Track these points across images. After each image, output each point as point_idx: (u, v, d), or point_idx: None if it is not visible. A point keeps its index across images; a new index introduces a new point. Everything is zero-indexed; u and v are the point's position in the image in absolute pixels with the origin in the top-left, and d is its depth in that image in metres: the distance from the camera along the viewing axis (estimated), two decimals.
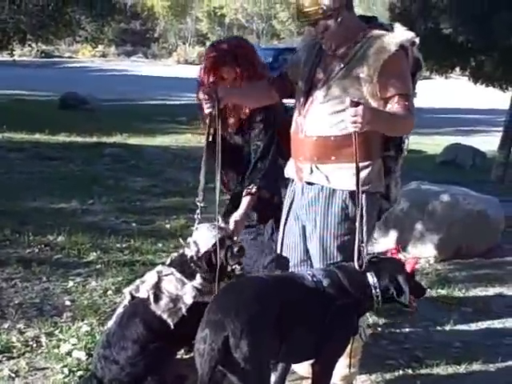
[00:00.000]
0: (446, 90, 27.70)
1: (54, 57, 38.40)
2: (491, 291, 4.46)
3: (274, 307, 2.36)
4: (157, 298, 2.83)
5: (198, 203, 2.97)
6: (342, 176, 2.68)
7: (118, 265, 4.45)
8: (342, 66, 2.68)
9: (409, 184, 5.64)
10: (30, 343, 3.34)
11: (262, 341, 2.28)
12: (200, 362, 2.24)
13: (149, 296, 2.83)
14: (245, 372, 2.23)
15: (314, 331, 2.49)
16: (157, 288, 2.85)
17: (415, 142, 12.61)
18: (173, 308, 2.81)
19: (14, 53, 16.42)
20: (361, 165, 2.60)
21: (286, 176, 3.00)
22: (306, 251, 2.87)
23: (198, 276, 2.87)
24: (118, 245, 4.90)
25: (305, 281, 2.53)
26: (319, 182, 2.75)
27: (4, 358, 3.18)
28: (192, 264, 2.89)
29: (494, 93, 9.99)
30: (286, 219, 2.97)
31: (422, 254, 5.09)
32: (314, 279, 2.53)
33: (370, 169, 2.71)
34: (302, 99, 2.82)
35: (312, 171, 2.76)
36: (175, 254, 3.08)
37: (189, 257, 2.91)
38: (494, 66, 8.63)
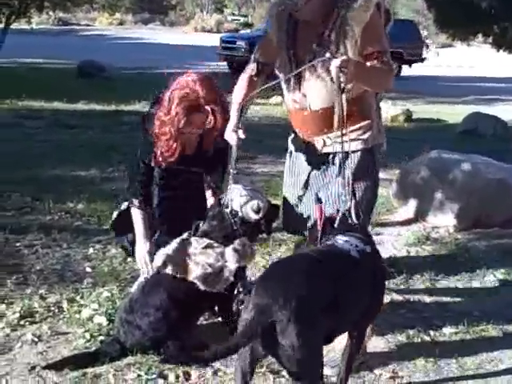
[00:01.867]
0: (467, 58, 27.28)
1: (72, 24, 38.29)
2: (511, 261, 4.43)
3: (327, 289, 2.22)
4: (189, 271, 2.86)
5: (232, 160, 2.99)
6: (355, 138, 2.86)
7: None
8: (326, 34, 2.72)
9: (429, 152, 5.59)
10: (52, 308, 3.39)
11: (313, 328, 2.12)
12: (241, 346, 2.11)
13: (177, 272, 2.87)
14: (296, 361, 2.10)
15: (364, 303, 2.45)
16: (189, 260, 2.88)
17: (435, 110, 12.52)
18: (217, 279, 2.85)
19: (31, 21, 16.41)
20: (364, 125, 2.88)
21: (292, 149, 3.12)
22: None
23: (237, 239, 2.90)
24: None
25: (350, 252, 2.42)
26: (335, 150, 2.88)
27: (27, 323, 3.23)
28: (230, 226, 2.92)
29: None
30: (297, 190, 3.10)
31: (442, 223, 5.06)
32: (357, 249, 2.45)
33: (371, 128, 2.91)
34: (292, 77, 2.84)
35: (325, 143, 2.92)
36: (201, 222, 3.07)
37: (227, 217, 2.93)
38: None
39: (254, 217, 2.95)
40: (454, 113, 12.00)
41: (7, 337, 3.10)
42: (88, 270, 3.90)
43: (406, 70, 20.26)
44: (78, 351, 2.99)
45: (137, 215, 3.26)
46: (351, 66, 2.47)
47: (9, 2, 14.42)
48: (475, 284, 4.01)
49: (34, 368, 2.85)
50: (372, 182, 3.01)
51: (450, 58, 27.79)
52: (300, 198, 3.09)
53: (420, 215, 5.22)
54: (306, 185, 3.05)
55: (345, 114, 2.66)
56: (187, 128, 3.07)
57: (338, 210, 2.74)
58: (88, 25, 39.81)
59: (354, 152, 2.88)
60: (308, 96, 2.86)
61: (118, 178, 5.94)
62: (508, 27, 8.54)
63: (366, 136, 2.90)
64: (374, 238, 4.64)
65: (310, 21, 2.77)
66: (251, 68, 3.05)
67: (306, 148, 3.02)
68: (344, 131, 2.72)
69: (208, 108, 3.01)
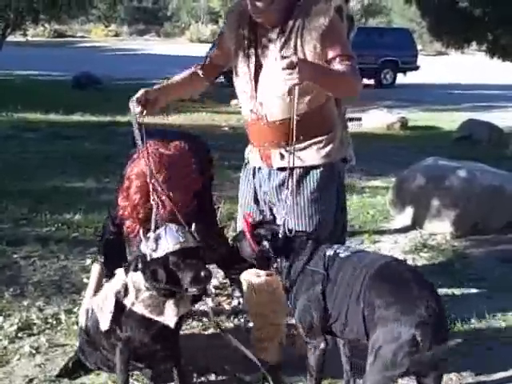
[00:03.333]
0: (461, 66, 27.40)
1: (67, 36, 38.34)
2: (508, 267, 4.43)
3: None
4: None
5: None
6: (314, 152, 2.70)
7: None
8: (284, 40, 2.60)
9: (425, 160, 5.61)
10: (50, 320, 3.39)
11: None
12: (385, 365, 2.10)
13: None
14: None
15: None
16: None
17: (431, 118, 12.56)
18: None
19: (27, 33, 16.45)
20: (325, 137, 2.69)
21: (249, 162, 2.94)
22: None
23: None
24: None
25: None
26: (292, 164, 2.61)
27: (25, 335, 3.23)
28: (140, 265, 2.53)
29: (511, 67, 9.84)
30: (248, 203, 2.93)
31: (439, 230, 5.07)
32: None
33: (334, 139, 2.74)
34: (249, 84, 2.72)
35: (283, 156, 2.71)
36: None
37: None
38: (511, 39, 8.51)
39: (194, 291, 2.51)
40: (449, 120, 12.04)
41: (5, 349, 3.09)
42: (85, 281, 3.88)
43: (401, 78, 20.34)
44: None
45: (95, 271, 3.16)
46: (304, 67, 2.29)
47: (4, 15, 14.45)
48: (472, 290, 4.01)
49: (31, 380, 2.85)
50: (332, 201, 2.80)
51: (444, 65, 27.91)
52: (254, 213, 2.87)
53: (417, 222, 5.22)
54: (257, 201, 2.89)
55: (294, 122, 2.46)
56: (148, 212, 2.85)
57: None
58: (83, 36, 39.87)
59: (314, 168, 2.72)
60: (265, 105, 2.68)
61: (115, 188, 5.93)
62: (501, 34, 8.58)
63: (327, 149, 2.71)
64: (372, 245, 4.75)
65: (266, 26, 2.65)
66: (200, 63, 2.93)
67: (262, 162, 2.82)
68: (303, 144, 2.64)
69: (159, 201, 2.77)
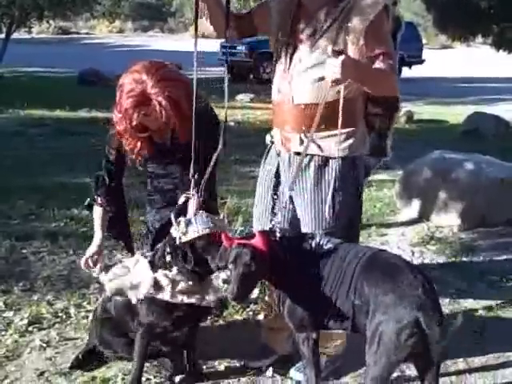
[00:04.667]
0: (467, 59, 27.30)
1: (72, 33, 38.38)
2: None
3: None
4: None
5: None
6: (334, 144, 2.62)
7: (142, 237, 4.48)
8: (326, 27, 2.56)
9: (432, 153, 5.61)
10: (60, 314, 3.42)
11: None
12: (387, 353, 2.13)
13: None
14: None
15: None
16: None
17: (437, 111, 12.53)
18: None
19: (31, 30, 16.48)
20: (347, 131, 2.61)
21: (269, 142, 2.88)
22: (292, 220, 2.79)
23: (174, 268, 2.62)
24: (142, 218, 4.93)
25: None
26: (311, 151, 2.64)
27: (35, 329, 3.26)
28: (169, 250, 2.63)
29: None
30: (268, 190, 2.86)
31: (446, 222, 5.07)
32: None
33: (355, 134, 2.67)
34: (283, 63, 2.67)
35: (302, 141, 2.65)
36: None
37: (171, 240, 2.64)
38: None
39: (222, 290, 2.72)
40: (455, 113, 12.01)
41: (16, 343, 3.12)
42: (94, 275, 3.90)
43: (407, 72, 20.29)
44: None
45: (96, 213, 3.16)
46: (350, 65, 2.30)
47: (9, 12, 14.49)
48: (480, 283, 4.02)
49: (42, 373, 2.87)
50: (354, 195, 2.73)
51: (450, 59, 27.81)
52: (273, 200, 2.85)
53: (424, 215, 5.23)
54: (277, 188, 2.83)
55: (319, 112, 2.46)
56: (144, 121, 2.87)
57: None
58: (88, 33, 39.90)
59: (332, 158, 2.65)
60: (293, 87, 2.63)
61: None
62: (507, 27, 8.55)
63: (347, 143, 2.65)
64: (379, 238, 4.76)
65: (313, 8, 2.61)
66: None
67: (281, 145, 2.77)
68: (324, 133, 2.59)
69: (155, 101, 2.76)
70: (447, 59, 27.43)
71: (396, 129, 2.96)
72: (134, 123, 2.81)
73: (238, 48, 17.62)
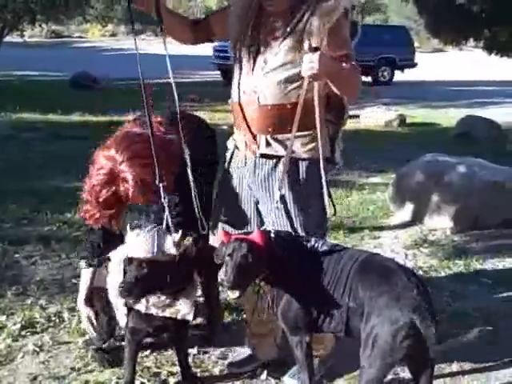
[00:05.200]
0: (459, 63, 27.42)
1: (64, 37, 38.33)
2: (508, 262, 4.45)
3: None
4: None
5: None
6: (300, 144, 2.61)
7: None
8: (290, 29, 2.55)
9: (424, 156, 5.63)
10: (53, 318, 3.41)
11: None
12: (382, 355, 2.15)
13: None
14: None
15: None
16: None
17: (429, 115, 12.58)
18: None
19: (24, 33, 16.44)
20: (310, 132, 2.60)
21: (232, 147, 2.82)
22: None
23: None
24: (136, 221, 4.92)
25: None
26: (277, 153, 2.61)
27: (28, 333, 3.24)
28: None
29: (508, 63, 9.85)
30: (231, 192, 2.81)
31: (439, 225, 5.09)
32: None
33: (320, 137, 2.64)
34: (246, 65, 2.64)
35: (268, 143, 2.62)
36: None
37: None
38: (509, 35, 8.53)
39: None
40: (447, 116, 12.06)
41: (9, 347, 3.11)
42: None
43: (399, 76, 20.36)
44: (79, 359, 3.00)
45: (86, 275, 2.97)
46: (326, 62, 2.33)
47: (1, 16, 14.45)
48: (472, 285, 4.03)
49: (36, 378, 2.86)
50: (319, 196, 2.66)
51: (442, 62, 27.94)
52: (240, 205, 2.79)
53: (417, 218, 5.25)
54: (246, 192, 2.77)
55: (299, 113, 2.46)
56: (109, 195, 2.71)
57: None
58: (81, 37, 39.85)
59: (300, 160, 2.63)
60: (259, 88, 2.59)
61: None
62: (499, 31, 8.60)
63: (313, 144, 2.62)
64: (372, 241, 4.77)
65: (275, 10, 2.58)
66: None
67: (246, 148, 2.71)
68: (290, 135, 2.55)
69: (121, 179, 2.65)
70: (439, 63, 27.56)
71: (388, 132, 2.97)
72: (101, 200, 2.69)
73: (230, 52, 17.60)
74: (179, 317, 2.59)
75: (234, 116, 2.76)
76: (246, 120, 2.67)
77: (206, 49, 12.98)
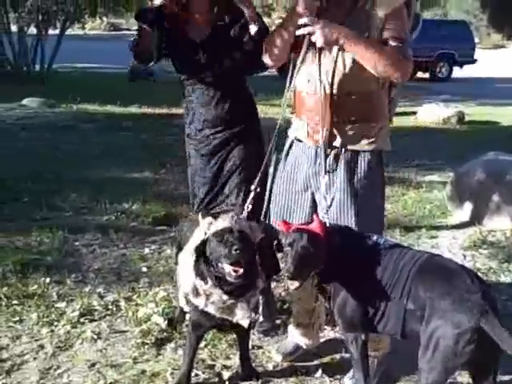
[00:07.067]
0: None
1: (123, 30, 38.94)
2: None
3: None
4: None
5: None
6: (364, 136, 2.59)
7: None
8: (354, 14, 2.52)
9: (485, 154, 5.49)
10: (110, 307, 3.47)
11: None
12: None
13: None
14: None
15: None
16: None
17: (488, 112, 12.25)
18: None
19: (85, 26, 16.78)
20: (375, 125, 2.61)
21: (293, 137, 2.79)
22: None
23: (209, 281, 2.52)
24: (191, 213, 4.97)
25: None
26: (339, 143, 2.59)
27: (86, 321, 3.32)
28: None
29: None
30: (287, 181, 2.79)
31: (498, 226, 4.95)
32: None
33: (383, 128, 2.64)
34: (310, 52, 2.58)
35: (331, 133, 2.59)
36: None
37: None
38: None
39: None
40: (507, 114, 11.73)
41: (68, 333, 3.18)
42: (144, 269, 3.97)
43: (458, 72, 19.92)
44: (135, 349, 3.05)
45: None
46: (334, 31, 2.40)
47: (64, 8, 14.78)
48: None
49: (94, 365, 2.92)
50: (380, 190, 2.70)
51: (502, 59, 27.20)
52: (296, 195, 2.77)
53: (476, 218, 5.12)
54: (304, 181, 2.73)
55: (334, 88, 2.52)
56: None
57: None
58: None
59: (362, 152, 2.62)
60: (323, 77, 2.55)
61: (171, 179, 6.03)
62: None
63: (377, 137, 2.62)
64: (429, 241, 4.68)
65: None
66: None
67: (308, 138, 2.69)
68: (354, 125, 2.55)
69: None
70: (500, 59, 26.82)
71: (446, 129, 2.91)
72: None
73: None
74: (234, 320, 2.58)
75: (296, 105, 2.74)
76: (308, 109, 2.66)
77: None
